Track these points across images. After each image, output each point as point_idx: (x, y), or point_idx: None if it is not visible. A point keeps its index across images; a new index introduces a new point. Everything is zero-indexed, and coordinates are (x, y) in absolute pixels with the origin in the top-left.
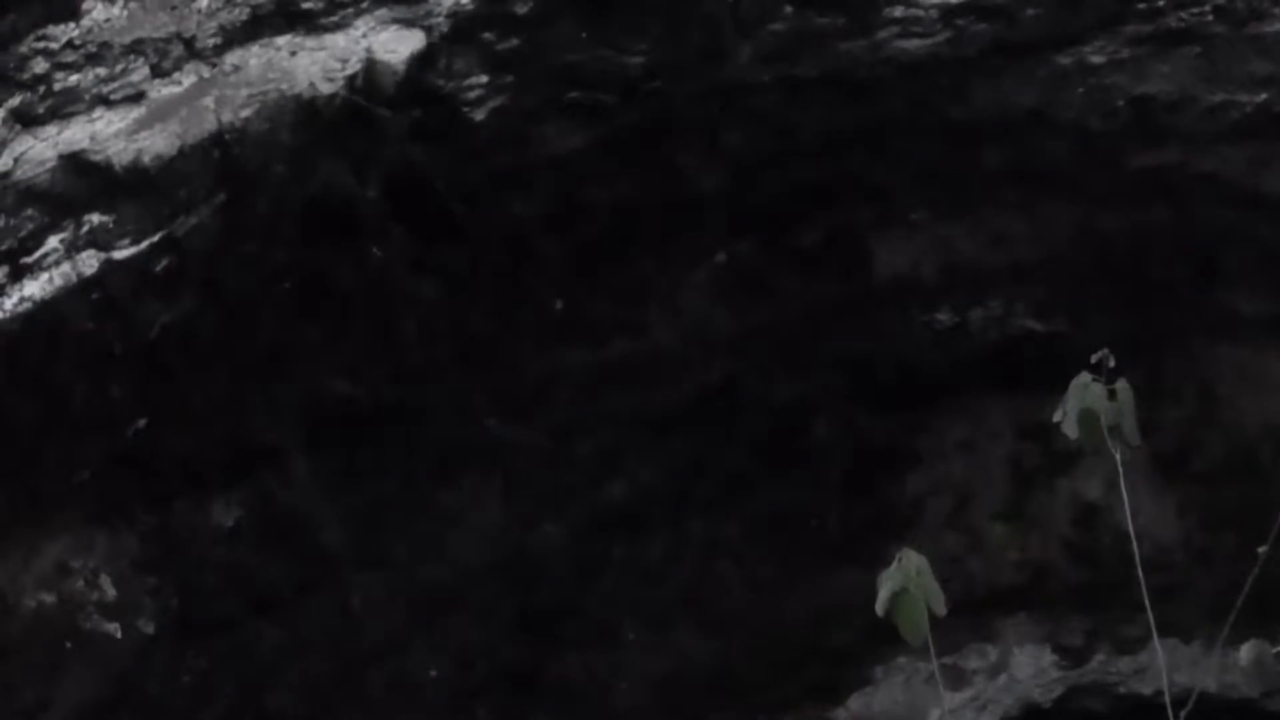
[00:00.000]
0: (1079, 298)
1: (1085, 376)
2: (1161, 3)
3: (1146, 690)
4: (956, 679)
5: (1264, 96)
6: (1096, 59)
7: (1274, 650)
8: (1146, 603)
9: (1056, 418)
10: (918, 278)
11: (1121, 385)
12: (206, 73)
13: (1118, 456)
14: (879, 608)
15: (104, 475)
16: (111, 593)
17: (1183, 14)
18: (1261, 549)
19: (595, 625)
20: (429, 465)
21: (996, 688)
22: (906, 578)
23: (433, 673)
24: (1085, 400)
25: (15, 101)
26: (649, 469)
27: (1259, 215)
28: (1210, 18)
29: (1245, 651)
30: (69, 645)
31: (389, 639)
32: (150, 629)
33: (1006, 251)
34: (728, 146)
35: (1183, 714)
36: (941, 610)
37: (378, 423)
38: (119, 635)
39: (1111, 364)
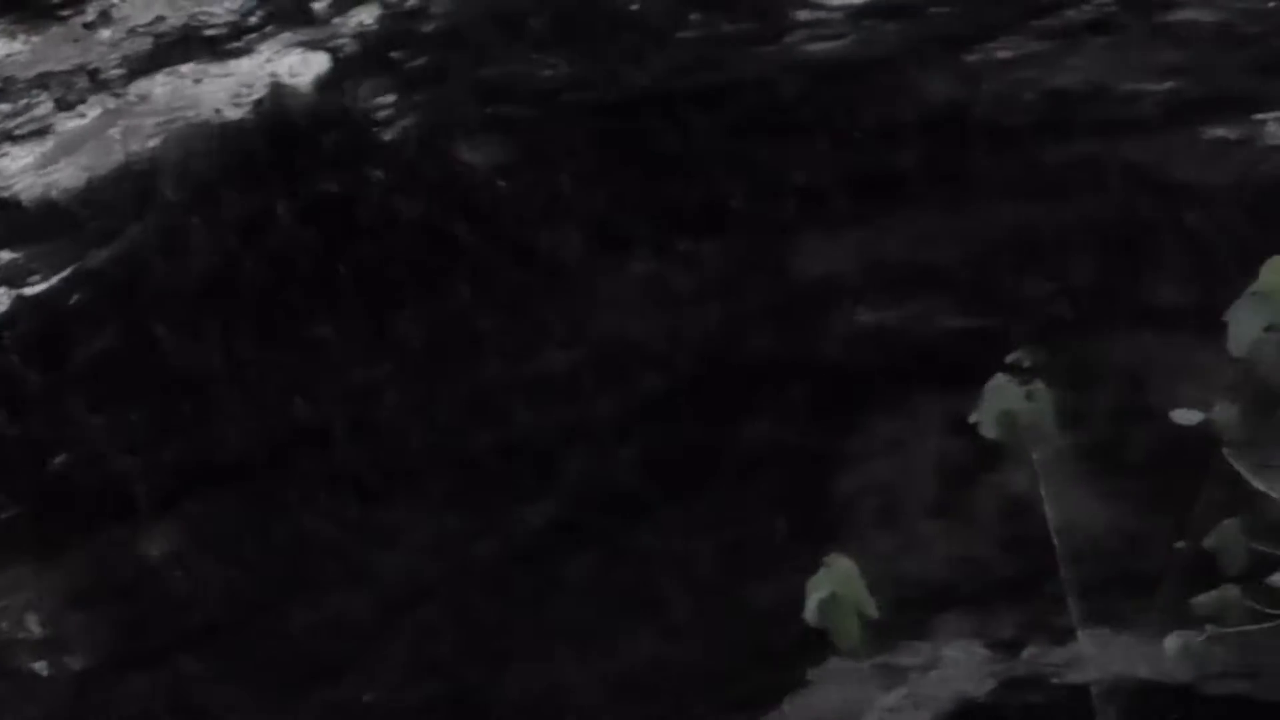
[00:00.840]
0: (1002, 293)
1: (1000, 377)
2: None
3: (1079, 680)
4: (891, 677)
5: (1173, 84)
6: (1006, 54)
7: (1200, 638)
8: (1071, 596)
9: (973, 419)
10: (840, 279)
11: (1038, 385)
12: (113, 104)
13: (1036, 456)
14: (808, 615)
15: (29, 511)
16: (40, 630)
17: (1089, 6)
18: (1179, 544)
19: (533, 640)
20: (361, 486)
21: (931, 684)
22: (836, 583)
23: (367, 697)
24: (1002, 401)
25: None
26: (583, 481)
27: (1178, 203)
28: (1116, 8)
29: (1171, 641)
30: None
31: (327, 663)
32: (80, 665)
33: (927, 250)
34: (645, 154)
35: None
36: (872, 613)
37: (308, 445)
38: (48, 673)
39: (1026, 364)
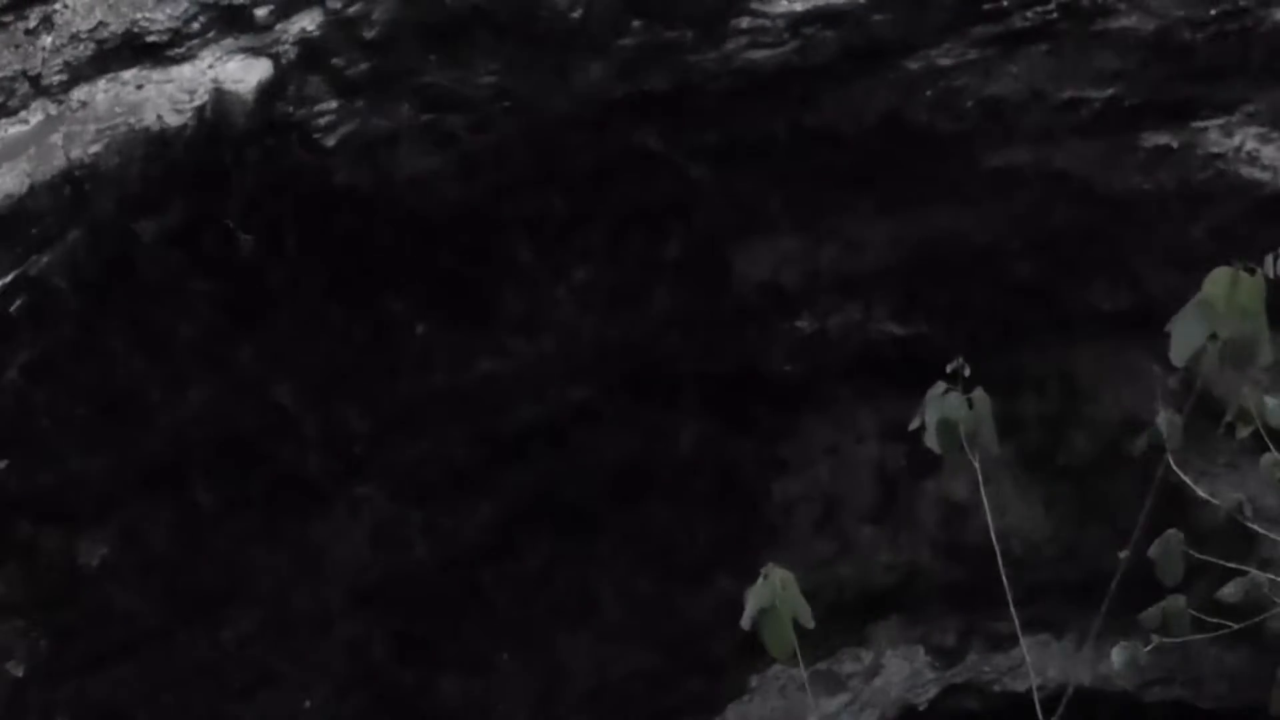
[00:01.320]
0: (939, 299)
1: (940, 386)
2: (1007, 3)
3: (1020, 687)
4: (832, 684)
5: (1112, 92)
6: (945, 61)
7: (1145, 648)
8: (1011, 603)
9: (913, 426)
10: (778, 286)
11: (978, 394)
12: (54, 109)
13: (976, 464)
14: (745, 623)
15: None
16: None
17: (1029, 13)
18: (1123, 553)
19: (470, 648)
20: (295, 496)
21: (872, 690)
22: (772, 593)
23: (307, 704)
24: (942, 410)
25: None
26: (518, 488)
27: (1112, 211)
28: (1056, 15)
29: (1117, 654)
30: None
31: (261, 671)
32: (20, 671)
33: (865, 256)
34: (582, 162)
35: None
36: (809, 623)
37: (243, 455)
38: None
39: (967, 373)
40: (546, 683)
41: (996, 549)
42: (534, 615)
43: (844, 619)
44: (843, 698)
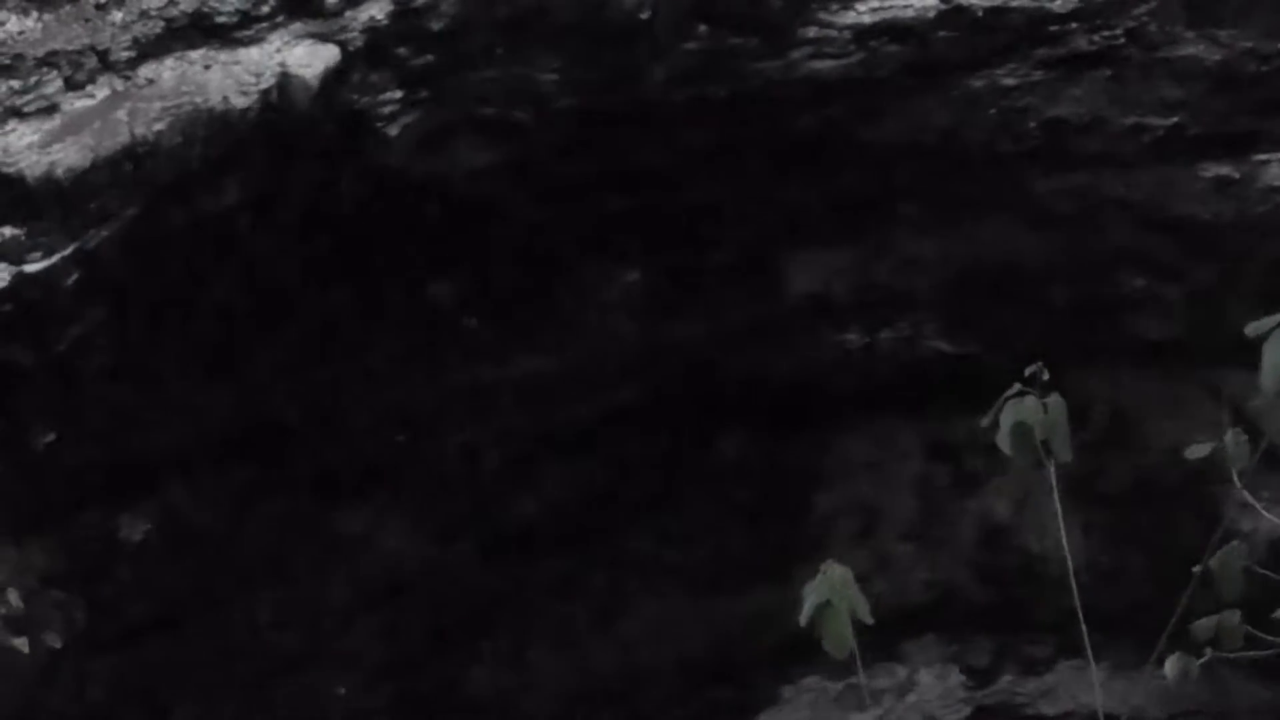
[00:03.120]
0: (989, 319)
1: (1017, 389)
2: (1074, 26)
3: (1052, 711)
4: (864, 698)
5: (1175, 120)
6: (1008, 81)
7: (1198, 663)
8: (1084, 629)
9: (985, 422)
10: (829, 298)
11: (1054, 399)
12: (120, 85)
13: (1052, 469)
14: (803, 619)
15: (11, 488)
16: (18, 606)
17: (1095, 37)
18: (1196, 567)
19: (503, 643)
20: (338, 481)
21: (904, 707)
22: (831, 589)
23: (340, 690)
24: (1019, 413)
25: None
26: (558, 487)
27: (1167, 239)
28: (1122, 41)
29: (1170, 665)
30: None
31: (296, 655)
32: (57, 643)
33: (917, 272)
34: (639, 163)
35: None
36: (868, 619)
37: (287, 438)
38: (26, 649)
39: (1045, 377)
40: (577, 682)
41: (1068, 559)
42: (568, 614)
43: (878, 634)
44: (875, 712)
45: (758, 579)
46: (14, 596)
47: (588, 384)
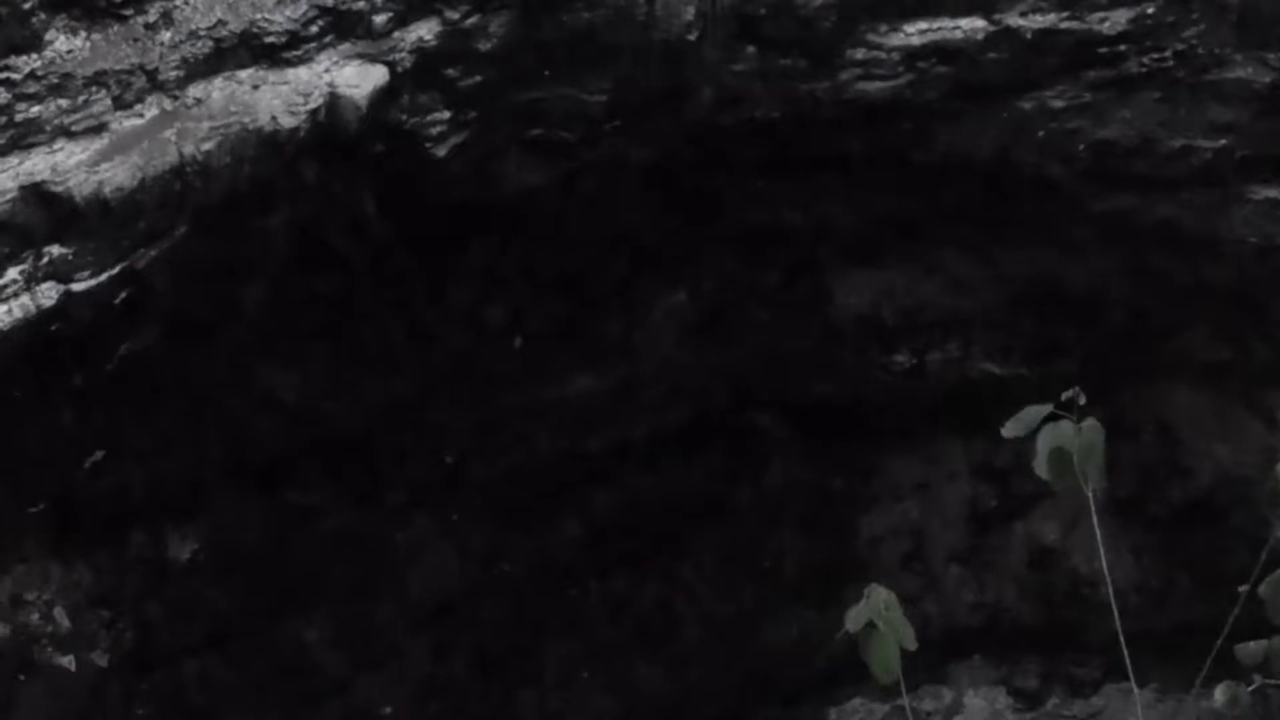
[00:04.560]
0: (1037, 341)
1: (1053, 413)
2: (1123, 48)
3: None
4: None
5: (1224, 143)
6: (1058, 103)
7: (1249, 688)
8: (1125, 652)
9: (1006, 432)
10: (877, 319)
11: (1090, 424)
12: (169, 105)
13: (1090, 493)
14: (840, 632)
15: (60, 507)
16: (66, 625)
17: (1144, 60)
18: (1242, 588)
19: (551, 664)
20: (385, 502)
21: None
22: (875, 613)
23: (386, 709)
24: (1056, 438)
25: None
26: (605, 509)
27: (1215, 261)
28: (1171, 64)
29: (1220, 693)
30: (22, 678)
31: (343, 675)
32: (104, 662)
33: (966, 294)
34: (688, 186)
35: None
36: (912, 645)
37: (336, 459)
38: (73, 668)
39: (1082, 401)
40: (624, 703)
41: (1108, 576)
42: (615, 635)
43: (926, 656)
44: None
45: (806, 601)
46: (61, 615)
47: (635, 405)
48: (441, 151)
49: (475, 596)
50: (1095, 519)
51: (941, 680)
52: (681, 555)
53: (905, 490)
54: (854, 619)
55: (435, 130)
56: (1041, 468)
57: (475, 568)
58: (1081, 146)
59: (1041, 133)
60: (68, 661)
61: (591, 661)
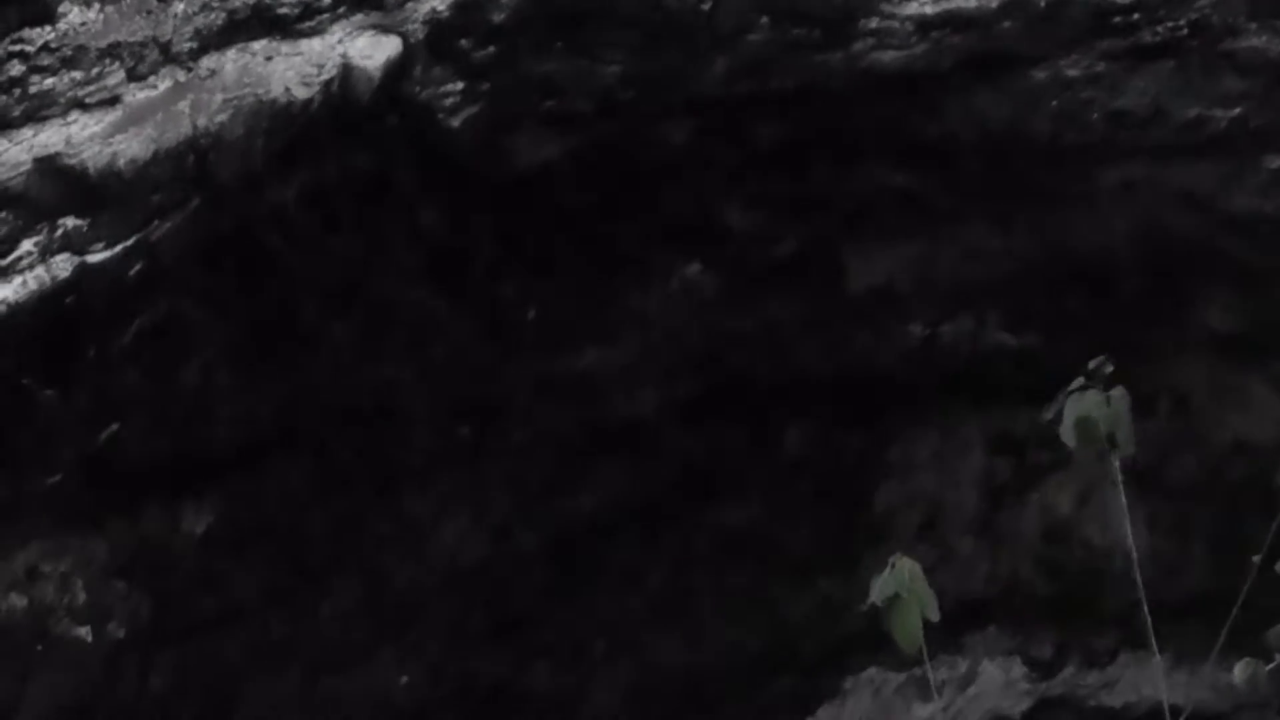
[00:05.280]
0: (1052, 311)
1: (1081, 382)
2: (1137, 17)
3: (1115, 704)
4: (926, 690)
5: (1238, 111)
6: (1072, 73)
7: (1268, 667)
8: (1148, 620)
9: (1048, 416)
10: (891, 290)
11: (1118, 392)
12: (182, 77)
13: (1116, 462)
14: (866, 604)
15: (76, 480)
16: (82, 597)
17: (1158, 29)
18: (1256, 557)
19: (566, 635)
20: (401, 473)
21: (966, 699)
22: (900, 584)
23: (403, 680)
24: (1083, 407)
25: None
26: (620, 480)
27: (1231, 231)
28: (1185, 33)
29: (1240, 670)
30: (39, 649)
31: (359, 647)
32: (120, 634)
33: (980, 265)
34: (701, 156)
35: None
36: (935, 616)
37: (350, 429)
38: (89, 640)
39: (1109, 370)
40: (639, 676)
41: (1133, 549)
42: (630, 608)
43: (941, 626)
44: (937, 704)
45: (819, 572)
46: (78, 587)
47: (649, 377)
48: (455, 123)
49: (490, 568)
50: (1121, 489)
51: (956, 650)
52: (696, 527)
53: (920, 462)
54: (879, 589)
55: (449, 102)
56: (1069, 436)
57: (490, 540)
58: (1095, 116)
59: (1055, 102)
60: (84, 633)
61: (607, 633)
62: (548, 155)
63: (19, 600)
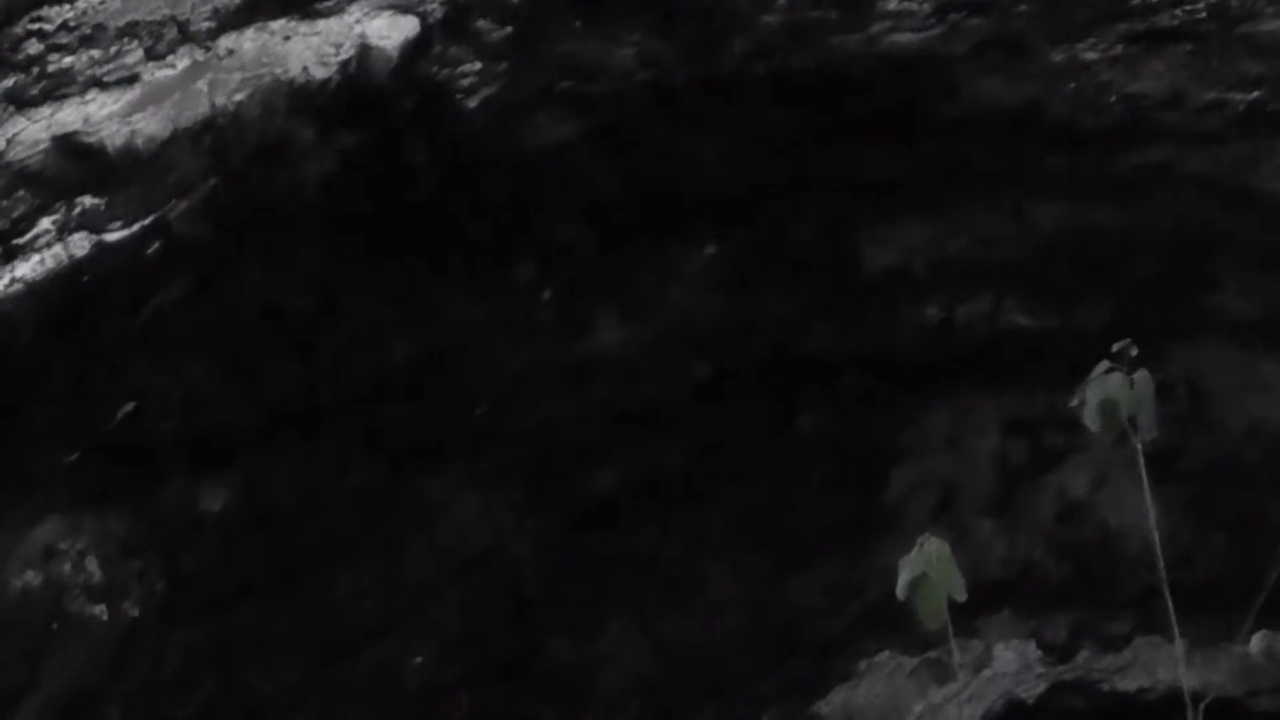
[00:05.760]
0: (1068, 295)
1: (1104, 365)
2: (1154, 1)
3: (1129, 687)
4: (940, 674)
5: (1256, 95)
6: (1089, 56)
7: None
8: (1169, 603)
9: (1073, 403)
10: (907, 272)
11: (1141, 375)
12: (200, 56)
13: (1139, 445)
14: (900, 592)
15: (92, 458)
16: (98, 575)
17: (1176, 12)
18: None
19: (579, 616)
20: (415, 454)
21: (981, 682)
22: (927, 563)
23: (417, 660)
24: (1105, 389)
25: (9, 83)
26: (634, 462)
27: (1248, 216)
28: (1203, 15)
29: (1257, 642)
30: (55, 627)
31: (373, 626)
32: (136, 612)
33: (996, 247)
34: (718, 138)
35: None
36: (961, 596)
37: (366, 410)
38: (105, 618)
39: (1134, 353)
40: (653, 656)
41: (1155, 532)
42: (644, 588)
43: (955, 609)
44: (951, 687)
45: (834, 554)
46: (93, 565)
47: (664, 359)
48: (472, 104)
49: (505, 548)
50: (1144, 469)
51: (971, 634)
52: (709, 509)
53: (935, 444)
54: (907, 568)
55: (466, 82)
56: (1092, 418)
57: (505, 519)
58: (1113, 99)
59: (1072, 85)
60: (99, 611)
61: (622, 614)
62: (564, 135)
63: (35, 578)
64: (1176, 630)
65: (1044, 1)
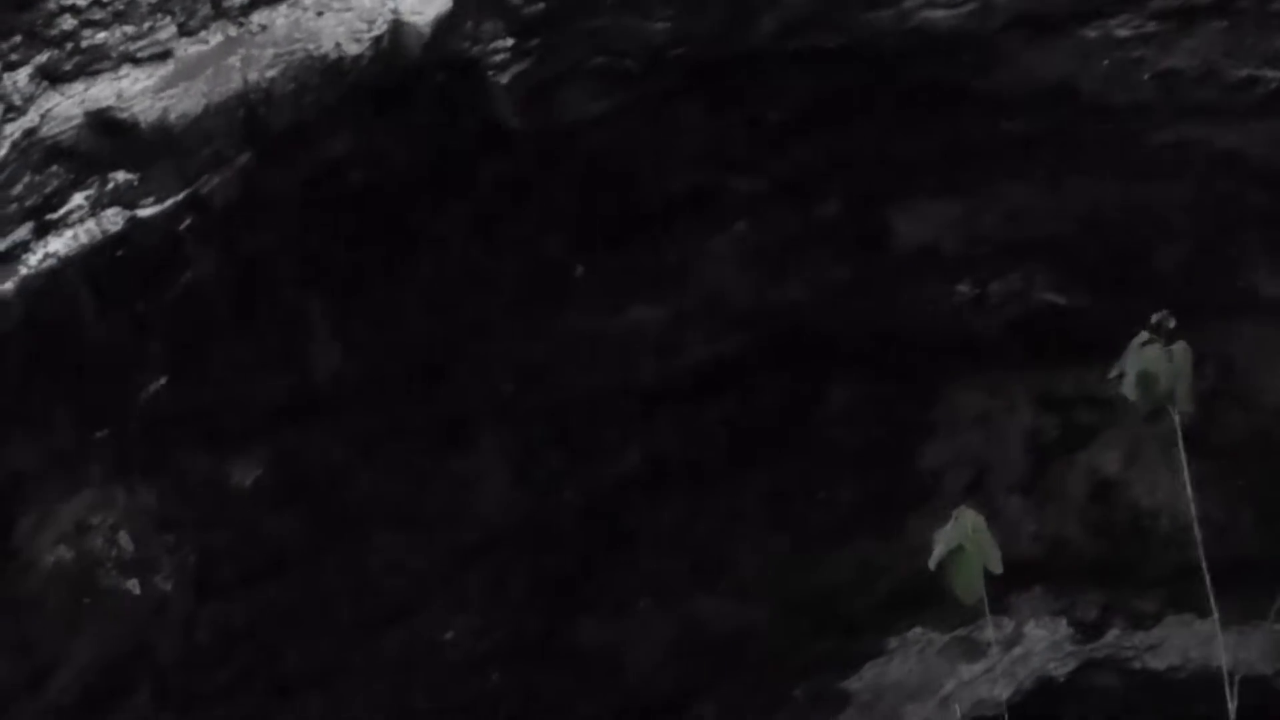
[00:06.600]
0: (1101, 272)
1: (1144, 336)
2: None
3: (1159, 665)
4: (971, 651)
5: None
6: (1123, 32)
7: None
8: (1207, 579)
9: (1112, 375)
10: (938, 249)
11: (1180, 347)
12: (234, 32)
13: (1176, 418)
14: (933, 564)
15: (124, 432)
16: (130, 549)
17: None
18: None
19: (610, 591)
20: (447, 428)
21: (1011, 660)
22: (963, 535)
23: (448, 635)
24: (1145, 362)
25: (43, 58)
26: (665, 438)
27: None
28: None
29: None
30: (87, 601)
31: (405, 600)
32: (168, 586)
33: (1028, 225)
34: (750, 115)
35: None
36: (998, 569)
37: (397, 384)
38: (137, 592)
39: (1172, 325)
40: (682, 633)
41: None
42: (673, 566)
43: (987, 586)
44: (982, 665)
45: (865, 531)
46: (125, 539)
47: (694, 336)
48: (504, 80)
49: (533, 524)
50: (1181, 443)
51: (1002, 611)
52: (740, 485)
53: (966, 421)
54: (942, 540)
55: (498, 59)
56: (1130, 390)
57: (533, 496)
58: (1146, 76)
59: (1105, 61)
60: (132, 585)
61: (650, 591)
62: (596, 112)
63: (67, 552)
64: (1215, 609)
65: None
